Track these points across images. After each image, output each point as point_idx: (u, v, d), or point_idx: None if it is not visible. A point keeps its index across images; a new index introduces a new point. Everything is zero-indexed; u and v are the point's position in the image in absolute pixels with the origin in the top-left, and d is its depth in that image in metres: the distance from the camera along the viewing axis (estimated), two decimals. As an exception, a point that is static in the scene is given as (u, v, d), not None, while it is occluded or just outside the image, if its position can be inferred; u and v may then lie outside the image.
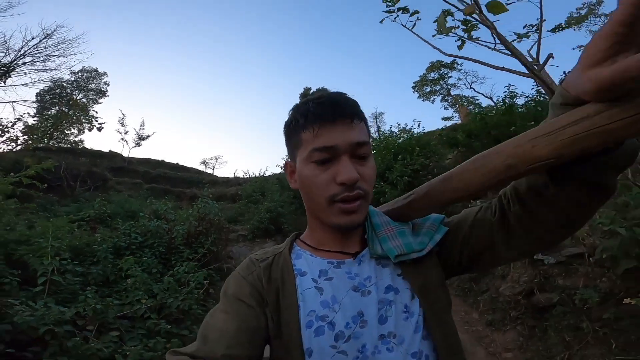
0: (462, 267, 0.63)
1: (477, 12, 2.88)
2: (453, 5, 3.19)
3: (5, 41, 12.88)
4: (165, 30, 45.66)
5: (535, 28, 3.49)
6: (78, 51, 16.40)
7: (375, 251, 0.60)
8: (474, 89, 18.97)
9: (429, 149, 5.16)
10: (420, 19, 3.32)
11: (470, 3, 3.05)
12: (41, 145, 14.42)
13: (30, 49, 13.16)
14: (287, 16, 53.67)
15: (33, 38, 13.23)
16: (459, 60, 17.43)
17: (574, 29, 19.58)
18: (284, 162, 0.69)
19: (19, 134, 12.61)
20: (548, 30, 3.61)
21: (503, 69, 3.02)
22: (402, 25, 3.55)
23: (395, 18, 3.52)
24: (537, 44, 3.04)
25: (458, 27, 3.12)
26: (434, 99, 19.41)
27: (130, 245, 3.91)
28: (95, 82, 23.40)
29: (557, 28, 3.48)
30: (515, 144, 0.47)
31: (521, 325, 2.76)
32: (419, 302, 0.56)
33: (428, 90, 19.16)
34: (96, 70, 23.39)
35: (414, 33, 3.35)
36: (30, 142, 13.26)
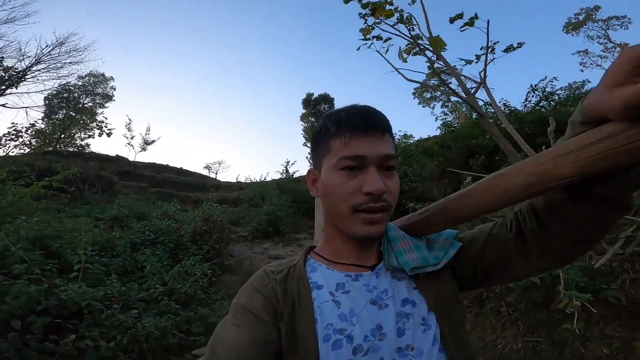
0: (476, 282, 0.65)
1: (419, 49, 3.57)
2: (407, 37, 3.90)
3: (21, 48, 13.84)
4: (169, 35, 47.06)
5: (490, 49, 4.16)
6: (89, 58, 17.41)
7: (390, 263, 0.61)
8: (478, 97, 19.60)
9: (413, 158, 5.78)
10: (392, 45, 4.00)
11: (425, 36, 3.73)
12: (49, 148, 15.28)
13: (44, 56, 14.07)
14: (292, 23, 54.88)
15: (47, 46, 14.16)
16: (459, 67, 18.05)
17: (572, 35, 20.19)
18: (307, 171, 0.70)
19: (32, 139, 13.52)
20: (502, 51, 4.28)
21: (450, 92, 3.63)
22: (377, 51, 4.23)
23: (370, 45, 4.21)
24: (484, 67, 3.69)
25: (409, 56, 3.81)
26: (434, 104, 20.10)
27: (145, 241, 4.60)
28: (102, 86, 24.31)
29: (509, 49, 4.16)
30: (538, 162, 0.48)
31: (470, 313, 3.32)
32: (435, 315, 0.57)
33: (428, 96, 19.85)
34: (103, 75, 24.26)
35: (385, 59, 4.02)
36: (42, 145, 14.08)
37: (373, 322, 0.55)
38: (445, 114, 20.33)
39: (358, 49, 4.27)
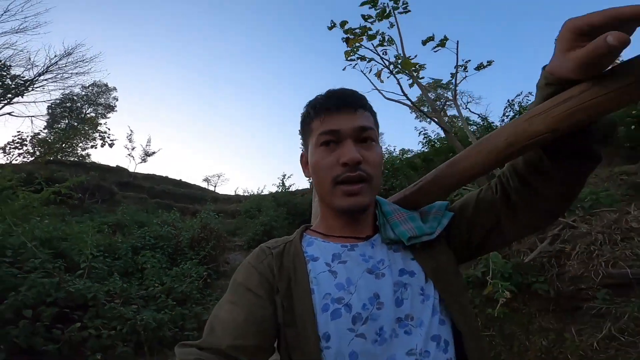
0: (472, 250, 0.67)
1: (389, 72, 4.08)
2: (381, 61, 4.39)
3: (30, 57, 14.54)
4: (170, 47, 48.46)
5: (463, 67, 4.65)
6: (95, 69, 18.19)
7: (387, 236, 0.63)
8: (469, 109, 20.06)
9: (402, 170, 6.19)
10: (375, 65, 4.49)
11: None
12: (51, 158, 15.74)
13: (52, 65, 14.73)
14: (291, 35, 56.58)
15: (55, 56, 14.84)
16: (453, 81, 18.82)
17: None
18: (300, 155, 0.75)
19: (36, 147, 14.02)
20: (474, 69, 4.77)
21: (420, 110, 4.07)
22: (361, 71, 4.72)
23: (354, 65, 4.69)
24: (454, 86, 4.14)
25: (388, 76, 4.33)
26: (430, 119, 20.63)
27: (145, 245, 4.97)
28: (104, 97, 24.95)
29: (480, 67, 4.65)
30: (514, 124, 0.55)
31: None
32: (433, 285, 0.58)
33: (426, 110, 20.38)
34: (106, 85, 24.94)
35: (368, 79, 4.49)
36: (46, 155, 14.55)
37: (370, 290, 0.56)
38: (425, 129, 20.88)
39: (344, 69, 4.76)
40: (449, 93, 19.64)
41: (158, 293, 3.91)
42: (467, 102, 19.71)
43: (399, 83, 3.99)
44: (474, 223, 0.65)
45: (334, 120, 0.63)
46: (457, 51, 4.27)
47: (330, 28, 4.18)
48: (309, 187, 16.06)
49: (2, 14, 12.54)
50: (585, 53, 0.42)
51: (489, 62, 5.41)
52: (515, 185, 0.59)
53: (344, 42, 4.40)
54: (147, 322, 3.36)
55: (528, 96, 7.41)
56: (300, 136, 0.75)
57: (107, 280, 3.86)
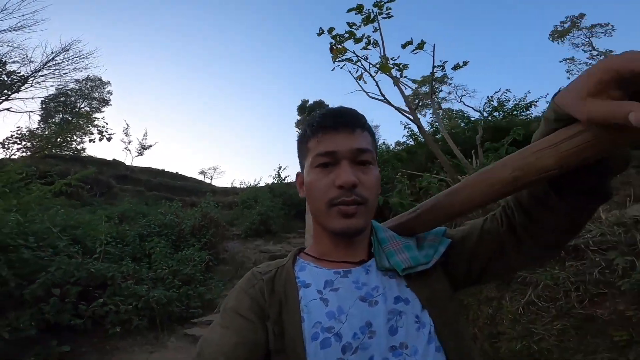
0: (472, 279, 0.68)
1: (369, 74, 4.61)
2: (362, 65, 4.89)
3: (27, 55, 14.82)
4: (166, 41, 48.27)
5: (442, 68, 5.16)
6: (91, 65, 18.43)
7: (382, 265, 0.63)
8: (463, 102, 20.52)
9: (390, 162, 6.68)
10: (362, 65, 4.97)
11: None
12: (46, 152, 16.09)
13: (49, 62, 15.02)
14: (287, 30, 56.37)
15: (52, 52, 15.11)
16: (449, 75, 19.32)
17: (558, 43, 21.39)
18: (296, 174, 0.75)
19: (35, 142, 14.40)
20: (451, 68, 5.28)
21: (397, 108, 4.53)
22: (348, 71, 5.19)
23: (342, 67, 5.17)
24: (431, 86, 4.64)
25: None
26: (425, 112, 21.15)
27: (150, 233, 5.46)
28: (99, 91, 25.08)
29: (456, 67, 5.16)
30: (521, 156, 0.53)
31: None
32: (428, 313, 0.58)
33: (420, 104, 20.89)
34: (100, 80, 25.05)
35: (355, 80, 4.97)
36: (44, 149, 14.90)
37: (362, 319, 0.56)
38: (408, 124, 21.43)
39: (332, 70, 5.23)
40: (443, 88, 20.11)
41: (166, 275, 4.43)
42: (462, 96, 20.21)
43: (377, 85, 4.48)
44: (477, 253, 0.65)
45: (331, 140, 0.63)
46: (434, 54, 4.74)
47: (319, 34, 4.62)
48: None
49: (-1, 12, 12.79)
50: (602, 115, 0.39)
51: (465, 63, 5.91)
52: (521, 220, 0.60)
53: (330, 52, 4.87)
54: (158, 298, 3.88)
55: (506, 92, 7.91)
56: (298, 156, 0.74)
57: (120, 263, 4.36)
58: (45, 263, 3.70)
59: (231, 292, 0.66)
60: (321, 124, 0.65)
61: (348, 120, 0.64)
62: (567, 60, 21.06)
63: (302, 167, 0.71)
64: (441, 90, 20.33)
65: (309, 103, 23.83)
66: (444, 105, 20.66)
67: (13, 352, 3.37)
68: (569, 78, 21.22)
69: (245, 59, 54.72)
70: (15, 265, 3.55)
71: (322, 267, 0.66)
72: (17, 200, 4.58)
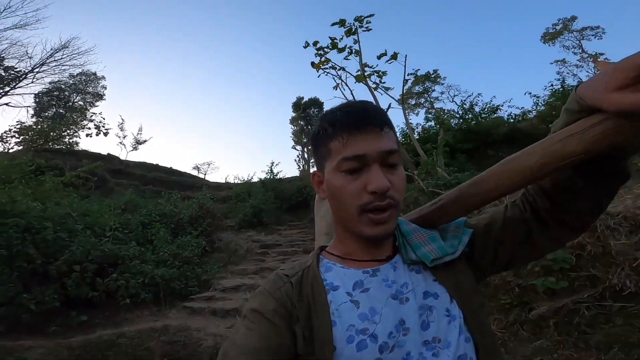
0: (499, 266, 0.69)
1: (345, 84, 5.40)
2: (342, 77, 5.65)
3: (27, 51, 15.38)
4: (160, 36, 48.61)
5: (413, 76, 5.95)
6: (89, 62, 19.02)
7: (409, 257, 0.64)
8: (455, 102, 21.33)
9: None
10: (337, 76, 5.72)
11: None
12: (40, 146, 16.58)
13: (48, 58, 15.58)
14: (283, 26, 56.87)
15: (52, 49, 15.67)
16: (441, 74, 20.12)
17: (549, 45, 22.23)
18: (312, 173, 0.72)
19: (33, 136, 14.97)
20: (422, 76, 6.07)
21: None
22: (332, 78, 5.94)
23: (327, 74, 5.92)
24: (402, 94, 5.39)
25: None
26: (418, 111, 21.95)
27: (152, 221, 6.17)
28: (92, 85, 25.45)
29: (427, 75, 5.95)
30: (547, 144, 0.56)
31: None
32: (457, 305, 0.60)
33: (413, 103, 21.68)
34: (94, 74, 25.41)
35: (334, 89, 5.69)
36: (42, 143, 15.46)
37: (396, 318, 0.57)
38: (429, 121, 22.27)
39: (318, 77, 5.96)
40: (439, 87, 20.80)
41: (167, 257, 5.15)
42: (454, 95, 20.96)
43: (352, 94, 5.23)
44: (502, 240, 0.66)
45: (358, 142, 0.59)
46: (405, 64, 5.50)
47: (305, 47, 5.35)
48: (298, 175, 17.20)
49: (2, 11, 13.32)
50: (629, 106, 0.44)
51: (435, 71, 6.68)
52: (545, 205, 0.62)
53: (317, 55, 5.59)
54: (162, 274, 4.60)
55: (478, 97, 8.71)
56: (313, 154, 0.72)
57: (127, 246, 5.07)
58: (65, 244, 4.40)
59: (255, 294, 0.65)
60: (345, 123, 0.61)
61: (374, 119, 0.61)
62: (559, 62, 21.86)
63: (320, 167, 0.69)
64: (434, 90, 21.13)
65: (304, 100, 24.49)
66: (437, 105, 21.47)
67: (39, 322, 4.05)
68: (558, 80, 22.04)
69: (240, 55, 55.28)
70: (40, 246, 4.26)
71: (349, 268, 0.65)
72: (31, 189, 5.28)
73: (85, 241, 4.36)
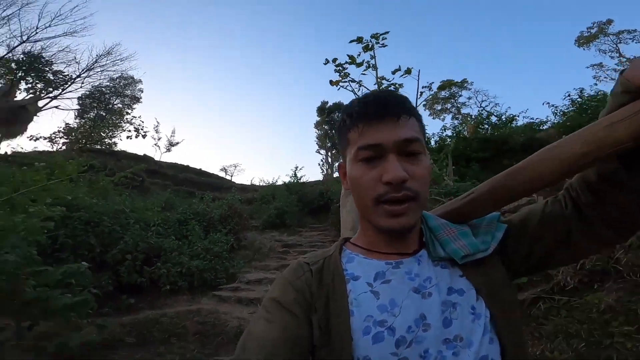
0: (530, 265, 0.65)
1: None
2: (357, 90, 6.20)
3: (75, 57, 17.09)
4: (191, 40, 51.01)
5: (428, 88, 6.41)
6: (130, 68, 20.75)
7: (437, 254, 0.62)
8: (483, 108, 21.33)
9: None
10: (362, 85, 6.27)
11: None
12: (80, 146, 18.14)
13: (94, 64, 17.24)
14: (312, 31, 58.06)
15: (97, 55, 17.32)
16: (469, 79, 20.17)
17: (584, 49, 21.71)
18: (338, 165, 0.73)
19: (79, 137, 16.58)
20: (437, 88, 6.53)
21: None
22: (351, 91, 6.49)
23: (346, 87, 6.47)
24: (416, 105, 5.90)
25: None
26: (444, 116, 22.06)
27: (187, 219, 7.00)
28: (130, 88, 27.26)
29: (444, 86, 6.41)
30: (592, 131, 0.52)
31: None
32: (484, 304, 0.57)
33: (439, 108, 21.84)
34: (132, 77, 27.19)
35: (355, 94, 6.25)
36: (86, 143, 17.04)
37: (417, 312, 0.56)
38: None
39: (338, 90, 6.55)
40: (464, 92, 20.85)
41: (200, 251, 5.92)
42: (482, 101, 20.95)
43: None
44: (539, 237, 0.63)
45: (374, 131, 0.59)
46: (419, 78, 5.96)
47: (325, 63, 5.94)
48: (321, 179, 17.85)
49: (53, 18, 14.93)
50: None
51: (449, 80, 7.09)
52: (588, 201, 0.57)
53: (336, 72, 6.19)
54: (197, 265, 5.37)
55: (496, 107, 8.99)
56: (338, 146, 0.73)
57: (167, 240, 5.89)
58: (119, 236, 5.26)
59: (275, 283, 0.66)
60: (362, 113, 0.61)
61: (392, 108, 0.60)
62: (595, 66, 21.34)
63: (343, 157, 0.70)
64: (461, 95, 21.22)
65: (328, 105, 25.15)
66: (464, 110, 21.52)
67: (96, 303, 4.89)
68: (596, 84, 21.49)
69: (267, 61, 56.93)
70: (99, 237, 5.13)
71: (372, 259, 0.65)
72: (85, 187, 6.21)
73: (135, 234, 5.20)
